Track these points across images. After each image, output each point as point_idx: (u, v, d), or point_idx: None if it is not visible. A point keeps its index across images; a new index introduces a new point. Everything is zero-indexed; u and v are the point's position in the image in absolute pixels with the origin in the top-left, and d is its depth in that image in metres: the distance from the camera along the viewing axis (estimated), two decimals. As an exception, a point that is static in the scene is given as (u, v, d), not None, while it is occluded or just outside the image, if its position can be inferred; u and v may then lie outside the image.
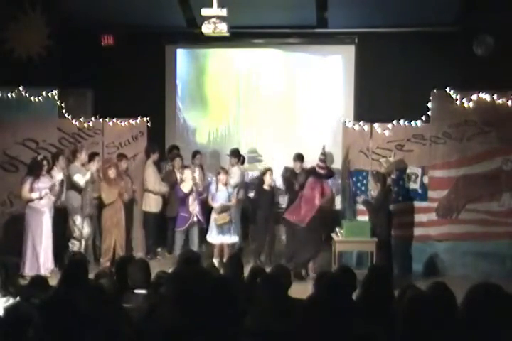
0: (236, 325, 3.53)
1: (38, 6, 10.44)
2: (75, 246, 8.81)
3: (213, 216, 9.17)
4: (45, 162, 8.68)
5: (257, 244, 9.66)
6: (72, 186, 8.98)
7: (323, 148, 9.09)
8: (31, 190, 8.52)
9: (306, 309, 3.43)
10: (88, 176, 8.93)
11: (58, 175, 8.86)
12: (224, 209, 9.13)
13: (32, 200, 8.55)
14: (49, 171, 8.78)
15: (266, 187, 9.49)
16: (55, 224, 8.88)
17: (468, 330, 3.17)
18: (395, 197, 8.97)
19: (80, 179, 8.91)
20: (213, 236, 9.15)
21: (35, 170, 8.60)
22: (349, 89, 11.28)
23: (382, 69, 10.60)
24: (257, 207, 9.62)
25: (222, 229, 9.11)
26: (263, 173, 9.63)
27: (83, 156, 9.11)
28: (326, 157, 9.21)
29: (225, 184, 9.24)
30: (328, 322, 3.24)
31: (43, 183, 8.57)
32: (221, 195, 9.20)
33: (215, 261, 8.94)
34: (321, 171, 8.90)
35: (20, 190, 8.64)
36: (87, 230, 8.98)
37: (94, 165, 9.11)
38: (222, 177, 9.23)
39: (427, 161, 9.22)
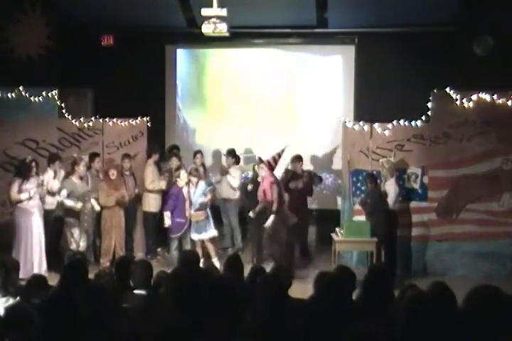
0: (236, 325, 3.53)
1: (38, 6, 10.45)
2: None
3: (188, 212, 9.15)
4: (33, 164, 8.63)
5: (253, 243, 9.64)
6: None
7: (284, 149, 9.37)
8: (19, 191, 8.49)
9: (306, 309, 3.43)
10: (79, 205, 8.74)
11: (51, 179, 8.87)
12: (202, 206, 9.11)
13: (21, 201, 8.51)
14: (37, 173, 8.74)
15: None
16: (51, 233, 8.88)
17: (468, 331, 3.17)
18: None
19: (63, 194, 8.75)
20: (194, 234, 9.15)
21: (23, 172, 8.56)
22: (349, 89, 11.28)
23: (382, 70, 10.60)
24: (252, 204, 9.54)
25: (198, 225, 9.10)
26: (256, 166, 9.69)
27: (81, 169, 8.90)
28: (279, 157, 9.26)
29: (197, 184, 9.19)
30: (328, 322, 3.24)
31: (31, 184, 8.55)
32: (191, 192, 9.17)
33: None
34: (272, 163, 9.07)
35: (9, 192, 8.60)
36: (82, 244, 8.85)
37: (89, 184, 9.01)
38: (194, 179, 9.20)
39: (427, 161, 9.22)
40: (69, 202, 8.74)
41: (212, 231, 9.22)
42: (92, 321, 3.61)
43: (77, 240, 8.79)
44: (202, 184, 9.26)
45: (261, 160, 9.26)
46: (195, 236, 9.15)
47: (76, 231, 8.79)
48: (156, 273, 5.26)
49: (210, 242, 9.22)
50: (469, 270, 8.78)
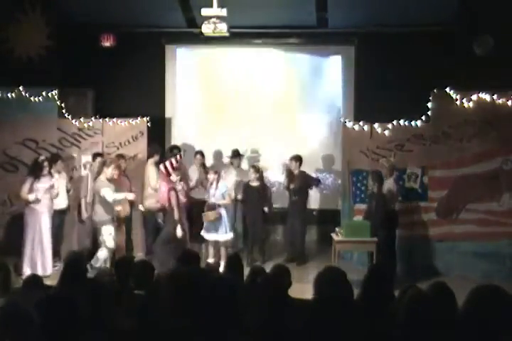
0: (236, 325, 3.53)
1: (38, 6, 10.44)
2: (102, 255, 8.55)
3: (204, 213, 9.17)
4: (46, 163, 8.66)
5: (248, 244, 9.65)
6: (100, 201, 8.70)
7: (182, 154, 9.45)
8: (31, 190, 8.51)
9: (306, 309, 3.42)
10: (116, 196, 8.63)
11: (53, 179, 8.85)
12: (210, 207, 9.09)
13: (29, 202, 8.54)
14: (50, 172, 8.77)
15: (252, 184, 9.51)
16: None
17: (469, 331, 3.16)
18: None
19: (108, 193, 8.58)
20: (204, 233, 9.15)
21: (35, 171, 8.60)
22: (349, 89, 11.28)
23: (382, 70, 10.59)
24: (245, 207, 9.63)
25: (213, 226, 9.06)
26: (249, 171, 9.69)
27: (110, 171, 8.73)
28: (177, 162, 9.11)
29: (212, 183, 9.16)
30: (328, 322, 3.24)
31: (43, 184, 8.57)
32: (210, 194, 9.16)
33: (211, 261, 8.94)
34: (169, 168, 8.94)
35: (20, 190, 8.63)
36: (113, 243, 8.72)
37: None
38: (210, 176, 9.21)
39: (427, 161, 9.22)
40: (104, 191, 8.57)
41: (226, 235, 9.14)
42: (92, 321, 3.61)
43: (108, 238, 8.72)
44: (222, 186, 9.21)
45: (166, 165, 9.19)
46: (204, 234, 9.14)
47: (107, 229, 8.65)
48: (156, 273, 5.26)
49: (223, 245, 9.16)
50: (469, 270, 8.77)
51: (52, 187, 8.67)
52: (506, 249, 8.96)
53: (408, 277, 8.21)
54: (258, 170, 9.66)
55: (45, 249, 8.62)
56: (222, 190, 9.16)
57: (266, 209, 9.68)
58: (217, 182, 9.17)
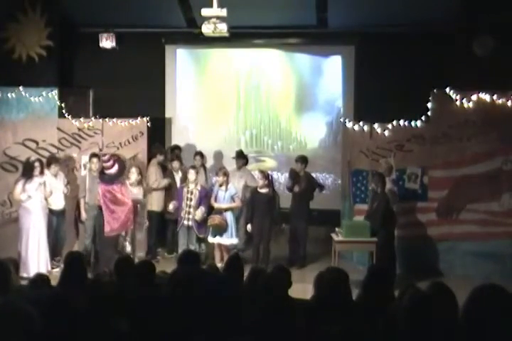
0: (236, 325, 3.53)
1: (38, 6, 10.44)
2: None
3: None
4: (37, 163, 8.69)
5: (252, 249, 9.47)
6: None
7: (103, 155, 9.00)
8: (23, 190, 8.56)
9: (306, 309, 3.42)
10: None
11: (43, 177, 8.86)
12: (216, 211, 9.05)
13: (22, 201, 8.61)
14: (42, 172, 8.77)
15: (261, 190, 9.24)
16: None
17: (471, 330, 3.16)
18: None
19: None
20: (210, 237, 9.11)
21: (27, 172, 8.65)
22: (349, 89, 11.28)
23: (382, 70, 10.58)
24: (252, 211, 9.30)
25: (218, 230, 9.01)
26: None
27: (135, 176, 9.14)
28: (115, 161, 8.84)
29: (222, 185, 9.10)
30: (328, 323, 3.24)
31: (34, 184, 8.60)
32: (220, 196, 9.12)
33: (218, 265, 8.90)
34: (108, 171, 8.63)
35: (13, 191, 8.70)
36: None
37: None
38: (219, 178, 9.15)
39: (427, 161, 9.22)
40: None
41: (231, 239, 9.07)
42: (92, 321, 3.61)
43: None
44: (232, 188, 9.15)
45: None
46: (212, 239, 9.10)
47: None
48: (156, 273, 5.27)
49: (226, 249, 9.08)
50: (469, 270, 8.78)
51: (43, 184, 8.68)
52: (506, 249, 8.95)
53: (408, 277, 8.21)
54: (267, 177, 9.28)
55: (41, 249, 8.62)
56: (232, 192, 9.12)
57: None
58: (227, 184, 9.13)
